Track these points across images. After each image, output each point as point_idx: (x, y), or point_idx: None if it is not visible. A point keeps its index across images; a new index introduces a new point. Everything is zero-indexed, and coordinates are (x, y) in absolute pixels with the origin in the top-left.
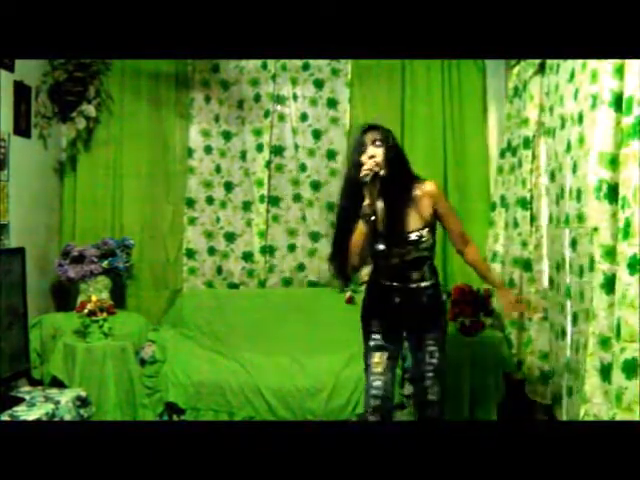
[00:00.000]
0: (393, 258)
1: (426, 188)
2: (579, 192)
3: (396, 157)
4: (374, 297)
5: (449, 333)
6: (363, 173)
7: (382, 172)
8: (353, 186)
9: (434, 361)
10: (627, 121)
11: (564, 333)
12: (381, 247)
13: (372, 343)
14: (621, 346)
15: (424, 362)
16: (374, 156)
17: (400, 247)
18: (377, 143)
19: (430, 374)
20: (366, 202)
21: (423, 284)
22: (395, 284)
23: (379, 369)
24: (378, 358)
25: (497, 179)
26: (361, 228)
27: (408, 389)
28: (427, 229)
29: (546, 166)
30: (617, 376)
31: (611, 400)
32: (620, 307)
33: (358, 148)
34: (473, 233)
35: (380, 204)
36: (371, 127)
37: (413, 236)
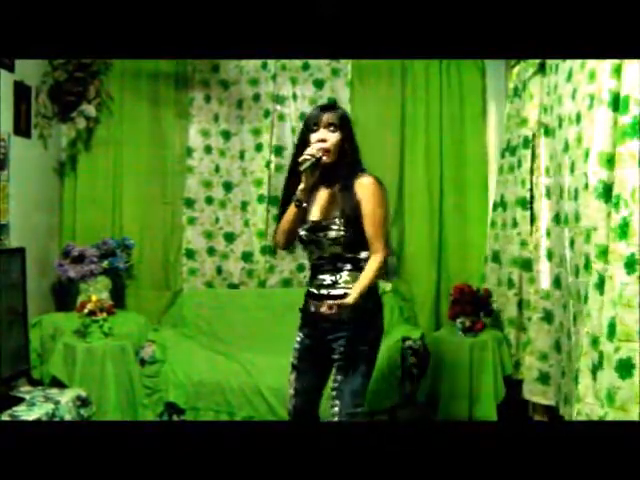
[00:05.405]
0: (311, 249)
1: (363, 182)
2: (577, 192)
3: (348, 147)
4: (303, 304)
5: (449, 333)
6: (302, 158)
7: (327, 159)
8: (296, 166)
9: (336, 385)
10: (624, 120)
11: (567, 333)
12: (301, 232)
13: (290, 359)
14: (615, 345)
15: (330, 385)
16: (324, 140)
17: (316, 235)
18: (331, 128)
19: (335, 401)
20: (301, 187)
21: (333, 292)
22: (310, 289)
23: (291, 390)
24: (291, 377)
25: (498, 179)
26: (292, 209)
27: (407, 387)
28: (348, 224)
29: (546, 166)
30: (609, 375)
31: (602, 399)
32: (615, 306)
33: (310, 126)
34: (471, 233)
35: (320, 191)
36: (331, 107)
37: (331, 231)
